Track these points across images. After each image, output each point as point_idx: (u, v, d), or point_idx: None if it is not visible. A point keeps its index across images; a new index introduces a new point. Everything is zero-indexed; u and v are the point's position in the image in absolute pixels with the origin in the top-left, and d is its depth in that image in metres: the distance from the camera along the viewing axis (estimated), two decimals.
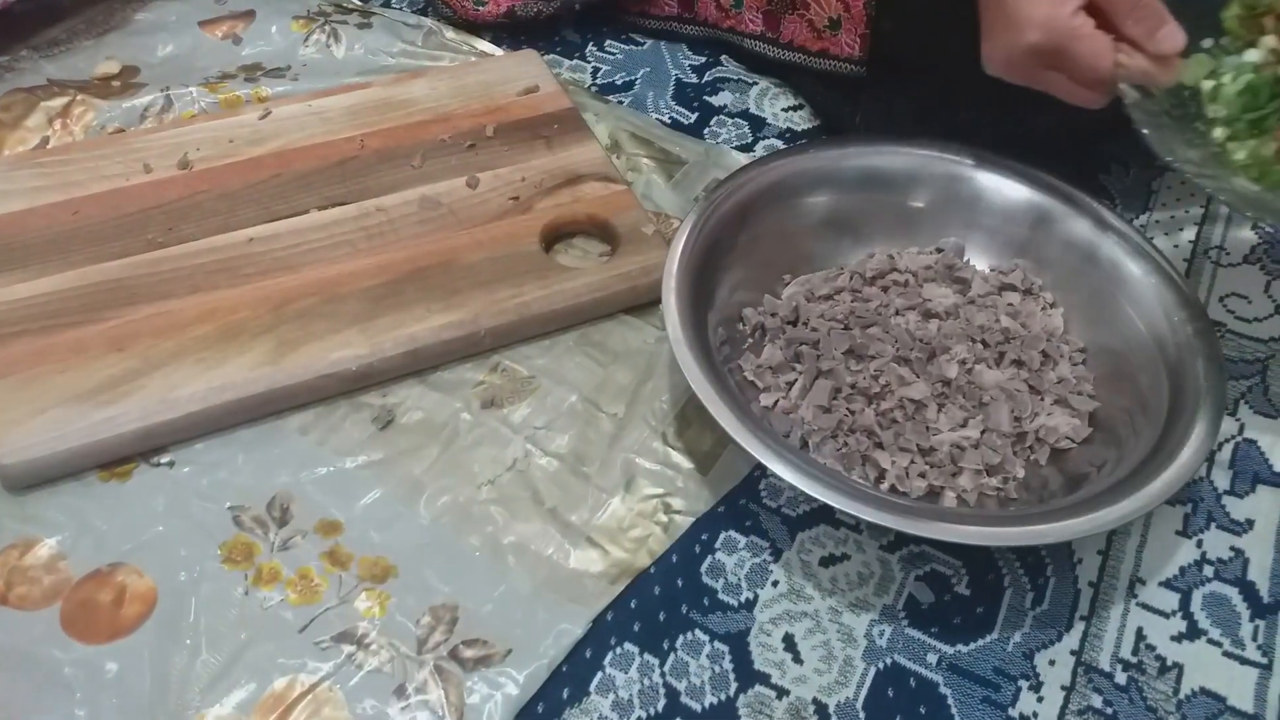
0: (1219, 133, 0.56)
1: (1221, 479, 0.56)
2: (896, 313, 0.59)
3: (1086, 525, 0.47)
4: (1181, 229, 0.69)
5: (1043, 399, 0.56)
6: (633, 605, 0.50)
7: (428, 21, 0.81)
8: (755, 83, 0.78)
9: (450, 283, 0.61)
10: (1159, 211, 0.70)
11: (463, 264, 0.62)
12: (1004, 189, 0.62)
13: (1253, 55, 0.56)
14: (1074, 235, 0.60)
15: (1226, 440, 0.57)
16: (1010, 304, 0.60)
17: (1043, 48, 0.52)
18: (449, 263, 0.62)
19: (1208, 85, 0.56)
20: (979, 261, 0.63)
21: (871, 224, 0.64)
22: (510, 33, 0.81)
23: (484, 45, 0.80)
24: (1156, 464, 0.50)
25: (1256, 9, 0.56)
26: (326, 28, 0.79)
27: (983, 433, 0.54)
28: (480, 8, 0.79)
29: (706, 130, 0.75)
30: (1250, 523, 0.54)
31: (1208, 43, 0.58)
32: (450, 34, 0.80)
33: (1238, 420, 0.58)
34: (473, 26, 0.81)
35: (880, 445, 0.54)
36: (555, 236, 0.66)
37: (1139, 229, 0.60)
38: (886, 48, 0.69)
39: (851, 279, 0.61)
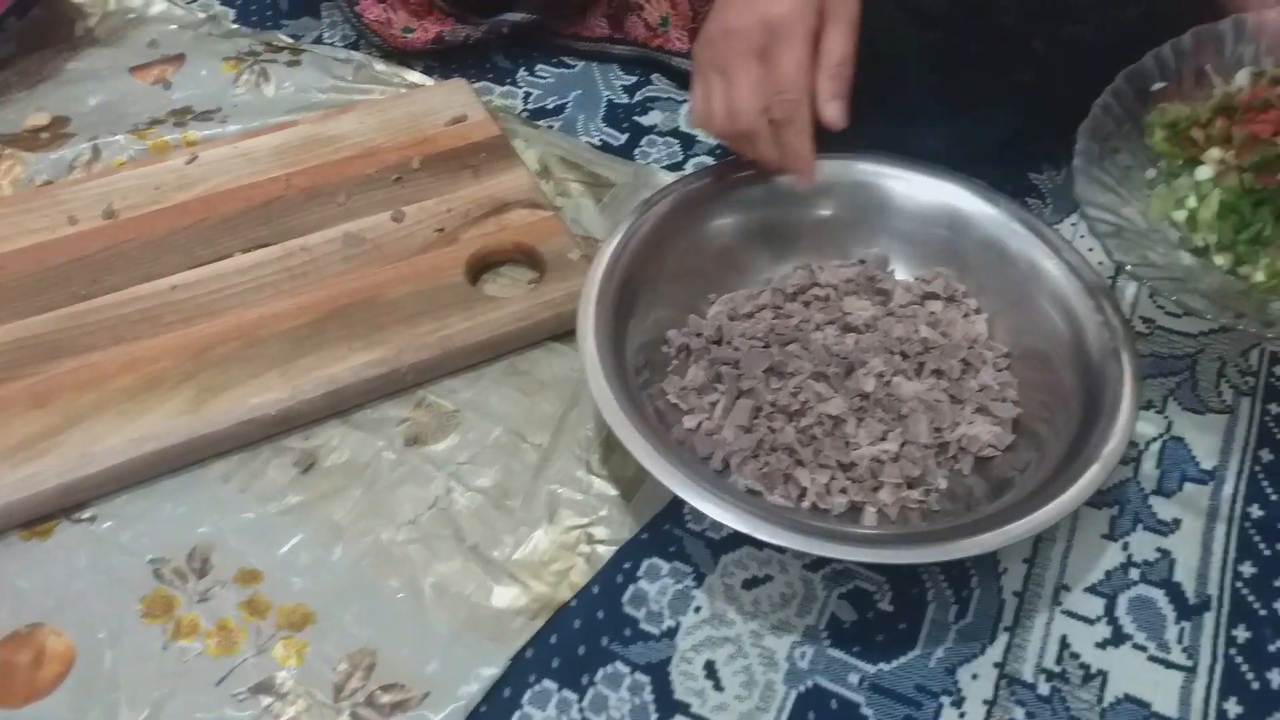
0: (1222, 260, 0.53)
1: (1148, 479, 0.55)
2: (817, 328, 0.59)
3: (999, 539, 0.46)
4: None
5: (963, 408, 0.55)
6: (552, 640, 0.50)
7: (358, 55, 0.81)
8: (685, 100, 0.77)
9: (373, 319, 0.61)
10: None
11: (386, 300, 0.62)
12: (917, 193, 0.62)
13: (1204, 172, 0.54)
14: (991, 236, 0.60)
15: (1154, 439, 0.57)
16: (932, 313, 0.59)
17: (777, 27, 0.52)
18: (372, 299, 0.62)
19: (1180, 216, 0.54)
20: (903, 270, 0.63)
21: (795, 237, 0.63)
22: (441, 61, 0.81)
23: (414, 76, 0.80)
24: (1076, 467, 0.49)
25: (1179, 125, 0.55)
26: (256, 67, 0.80)
27: (902, 445, 0.54)
28: (408, 35, 0.80)
29: (637, 150, 0.74)
30: (1177, 522, 0.53)
31: (1151, 173, 0.56)
32: (380, 66, 0.80)
33: (1166, 418, 0.58)
34: (404, 57, 0.81)
35: (801, 463, 0.54)
36: (482, 266, 0.66)
37: (1053, 227, 0.60)
38: None
39: (774, 295, 0.61)
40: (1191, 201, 0.53)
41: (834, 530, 0.49)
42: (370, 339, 0.60)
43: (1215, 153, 0.53)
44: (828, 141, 0.55)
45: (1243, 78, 0.55)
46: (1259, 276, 0.52)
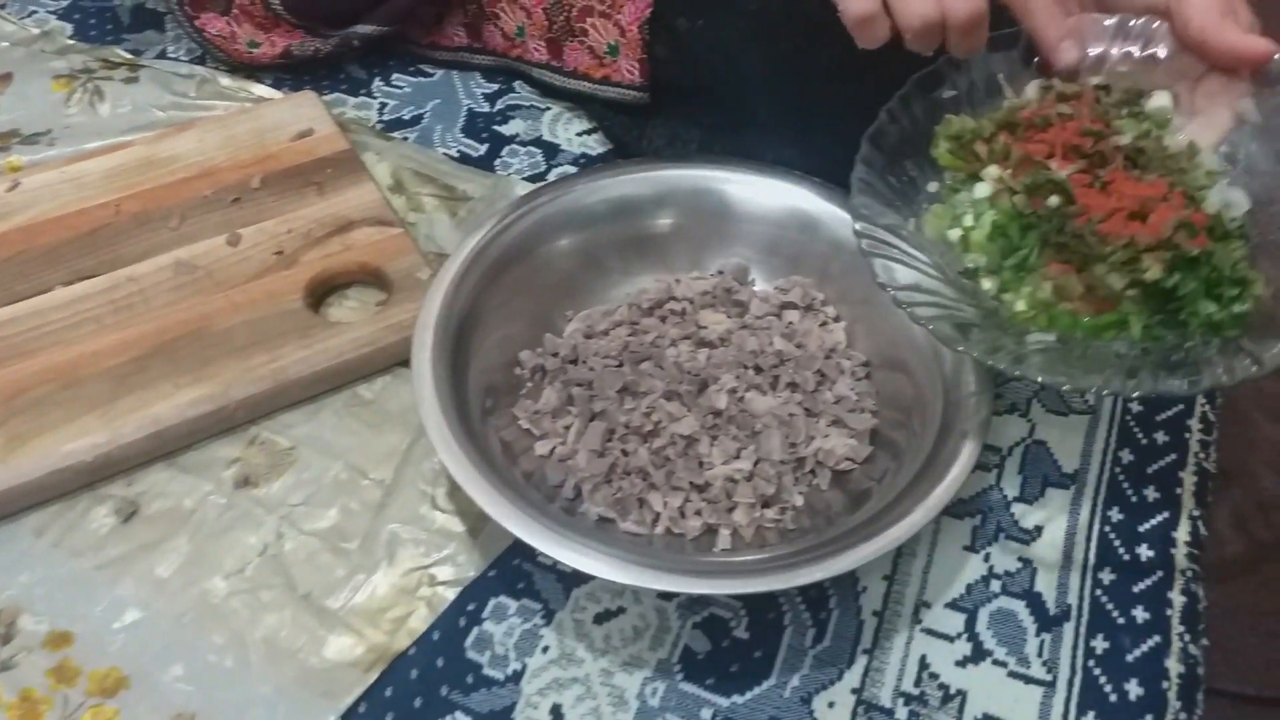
0: (988, 284, 0.49)
1: (1011, 485, 0.54)
2: (672, 343, 0.57)
3: (843, 563, 0.44)
4: None
5: (819, 421, 0.53)
6: (388, 693, 0.47)
7: (201, 70, 0.76)
8: (548, 108, 0.75)
9: (201, 353, 0.57)
10: None
11: (216, 331, 0.58)
12: (762, 197, 0.60)
13: (983, 189, 0.49)
14: (841, 239, 0.57)
15: (1017, 443, 0.56)
16: (789, 323, 0.57)
17: None
18: (201, 331, 0.58)
19: (954, 235, 0.50)
20: (763, 280, 0.61)
21: (654, 248, 0.61)
22: (292, 74, 0.77)
23: (262, 90, 0.75)
24: (930, 478, 0.48)
25: (963, 138, 0.50)
26: (90, 85, 0.75)
27: (756, 463, 0.52)
28: (254, 50, 0.75)
29: (498, 161, 0.71)
30: (1039, 530, 0.52)
31: (933, 186, 0.53)
32: (226, 81, 0.76)
33: (1029, 421, 0.57)
34: (251, 71, 0.77)
35: (654, 486, 0.51)
36: (325, 290, 0.62)
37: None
38: (664, 73, 0.67)
39: (630, 311, 0.59)
40: (969, 220, 0.50)
41: (680, 563, 0.47)
42: (197, 374, 0.56)
43: (994, 170, 0.49)
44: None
45: (1032, 90, 0.52)
46: (1020, 305, 0.48)
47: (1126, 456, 0.55)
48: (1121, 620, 0.48)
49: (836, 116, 0.54)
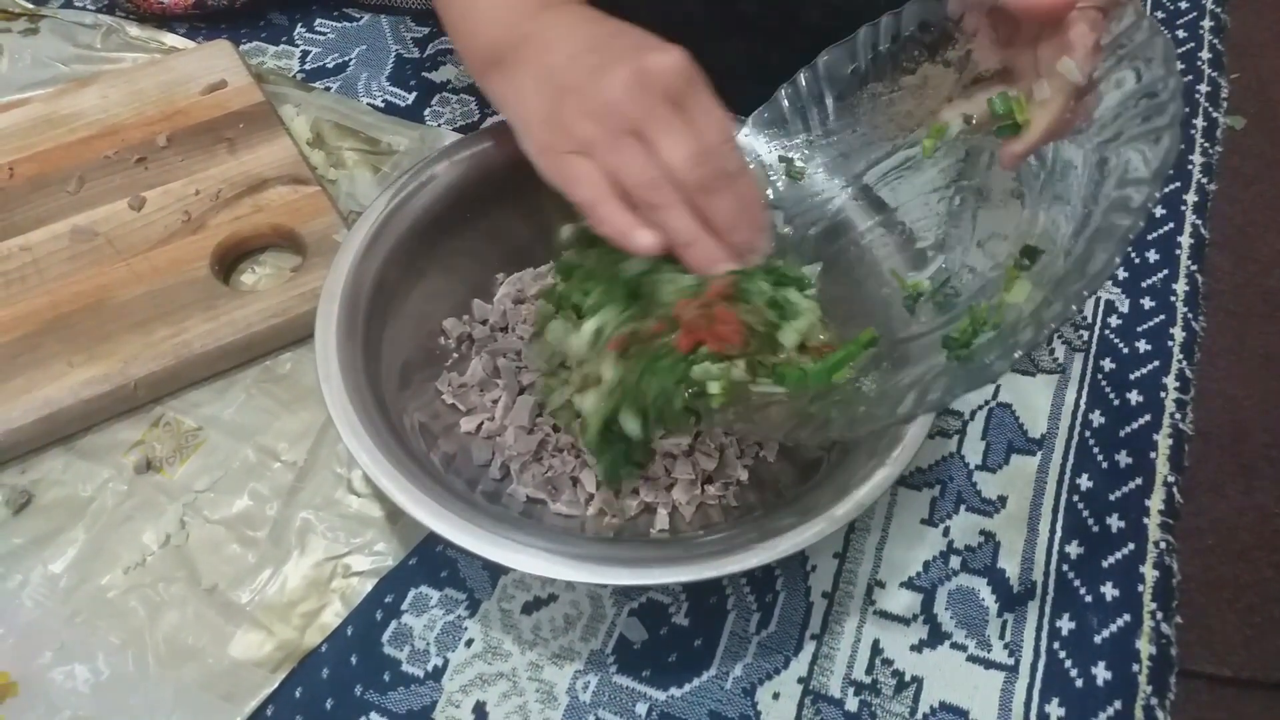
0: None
1: (973, 452, 0.50)
2: None
3: (792, 543, 0.41)
4: None
5: None
6: (297, 694, 0.43)
7: (107, 19, 0.70)
8: None
9: (98, 328, 0.52)
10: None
11: (115, 303, 0.53)
12: None
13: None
14: None
15: (979, 407, 0.52)
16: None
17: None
18: (99, 304, 0.53)
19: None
20: None
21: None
22: (208, 23, 0.71)
23: (174, 40, 0.70)
24: (883, 445, 0.44)
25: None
26: None
27: (696, 436, 0.48)
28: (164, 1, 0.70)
29: (428, 111, 0.66)
30: (1003, 500, 0.48)
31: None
32: (135, 31, 0.70)
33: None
34: (162, 20, 0.71)
35: (587, 464, 0.47)
36: (236, 256, 0.58)
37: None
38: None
39: None
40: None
41: (611, 551, 0.43)
42: (93, 351, 0.51)
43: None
44: None
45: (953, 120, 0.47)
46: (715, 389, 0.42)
47: (1097, 419, 0.51)
48: (1089, 598, 0.45)
49: (764, 78, 0.50)
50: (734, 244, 0.42)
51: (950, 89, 0.47)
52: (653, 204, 0.41)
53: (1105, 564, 0.46)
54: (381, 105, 0.66)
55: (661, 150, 0.41)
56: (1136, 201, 0.35)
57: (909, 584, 0.46)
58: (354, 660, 0.44)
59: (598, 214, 0.42)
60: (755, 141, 0.52)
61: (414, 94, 0.67)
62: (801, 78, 0.50)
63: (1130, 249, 0.58)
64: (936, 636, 0.44)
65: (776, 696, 0.43)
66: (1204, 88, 0.67)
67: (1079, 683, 0.43)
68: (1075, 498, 0.48)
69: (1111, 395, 0.52)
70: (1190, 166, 0.63)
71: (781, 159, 0.52)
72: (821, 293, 0.47)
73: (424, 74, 0.68)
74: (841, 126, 0.50)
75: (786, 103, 0.51)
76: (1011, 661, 0.44)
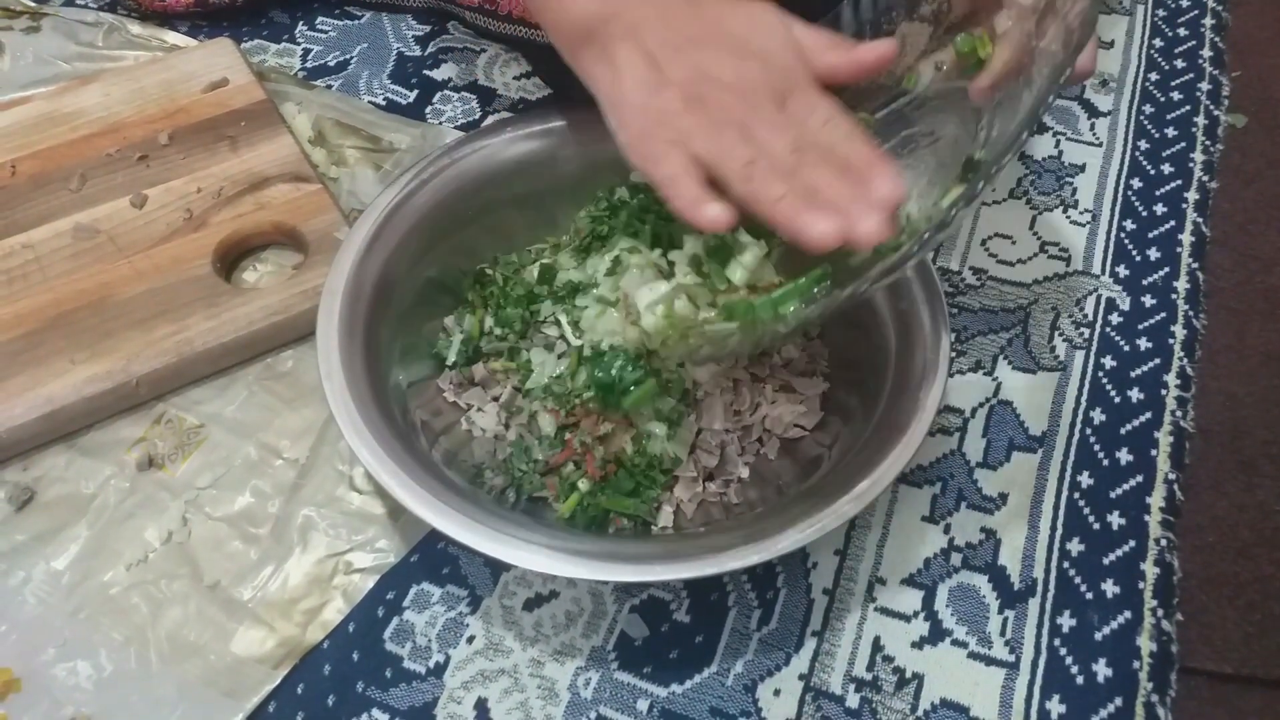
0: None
1: (974, 449, 0.50)
2: None
3: (792, 540, 0.41)
4: None
5: (765, 387, 0.49)
6: (299, 691, 0.43)
7: (109, 17, 0.70)
8: (483, 50, 0.69)
9: (101, 325, 0.52)
10: None
11: (117, 301, 0.53)
12: None
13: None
14: None
15: (981, 404, 0.52)
16: None
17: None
18: (101, 301, 0.53)
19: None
20: None
21: (588, 199, 0.56)
22: (209, 20, 0.72)
23: (175, 38, 0.70)
24: (885, 442, 0.44)
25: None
26: None
27: (697, 434, 0.48)
28: None
29: (429, 109, 0.66)
30: (1004, 497, 0.48)
31: None
32: (136, 29, 0.70)
33: (994, 379, 0.53)
34: (164, 18, 0.71)
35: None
36: (238, 253, 0.58)
37: None
38: None
39: None
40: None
41: (611, 548, 0.43)
42: (96, 349, 0.51)
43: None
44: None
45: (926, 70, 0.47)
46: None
47: (1098, 416, 0.51)
48: (1090, 595, 0.45)
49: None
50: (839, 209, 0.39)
51: (926, 43, 0.47)
52: (746, 176, 0.40)
53: (1106, 561, 0.46)
54: (383, 103, 0.66)
55: (764, 140, 0.41)
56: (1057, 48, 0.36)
57: (910, 581, 0.46)
58: (356, 657, 0.44)
59: (676, 187, 0.41)
60: None
61: (415, 92, 0.67)
62: None
63: (1131, 246, 0.58)
64: (937, 633, 0.45)
65: (777, 693, 0.43)
66: (1205, 85, 0.67)
67: (1080, 679, 0.43)
68: (1076, 495, 0.48)
69: (1112, 392, 0.52)
70: (1191, 164, 0.63)
71: None
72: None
73: (425, 72, 0.68)
74: None
75: None
76: (1012, 658, 0.44)
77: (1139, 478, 0.49)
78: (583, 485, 0.46)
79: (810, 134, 0.41)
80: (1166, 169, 0.63)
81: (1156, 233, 0.59)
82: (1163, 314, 0.55)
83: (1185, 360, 0.53)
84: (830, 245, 0.38)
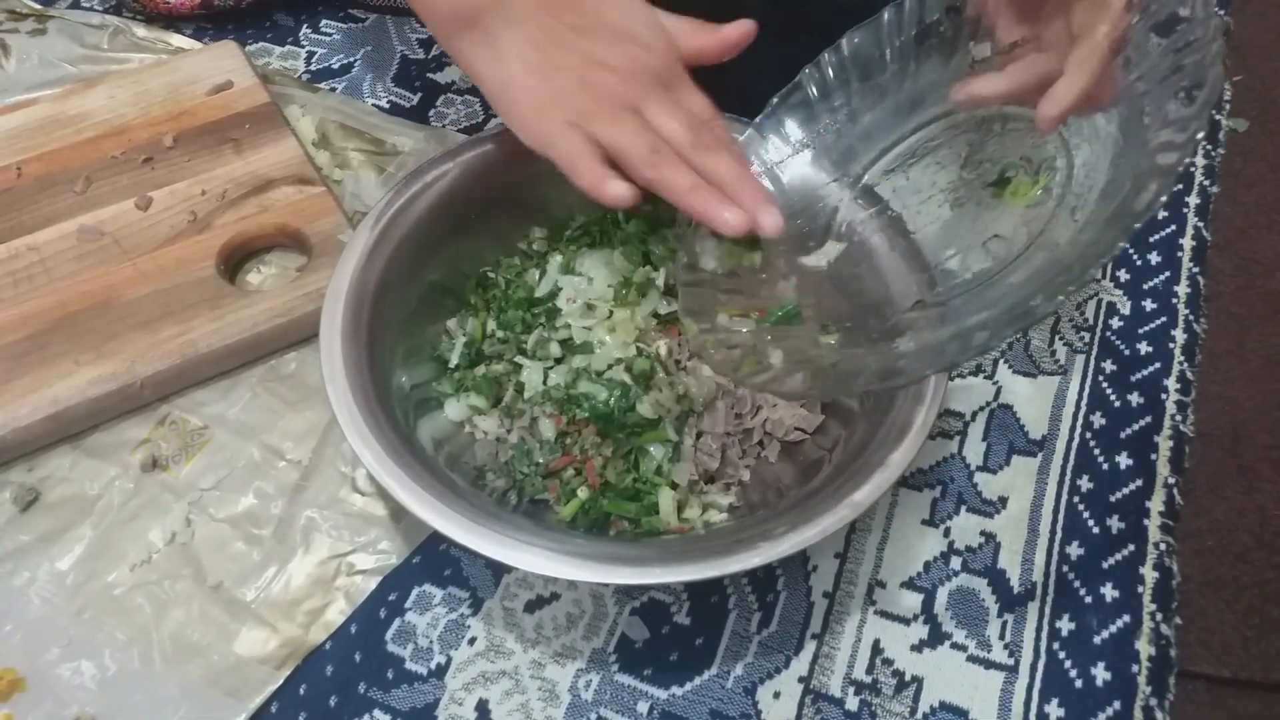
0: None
1: (974, 453, 0.50)
2: None
3: (792, 543, 0.41)
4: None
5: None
6: (301, 691, 0.44)
7: (114, 20, 0.71)
8: None
9: (105, 327, 0.53)
10: None
11: (122, 303, 0.54)
12: None
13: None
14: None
15: (981, 408, 0.52)
16: None
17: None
18: (106, 303, 0.54)
19: None
20: None
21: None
22: (214, 23, 0.72)
23: (180, 40, 0.70)
24: (885, 445, 0.44)
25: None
26: None
27: (698, 437, 0.48)
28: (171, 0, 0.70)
29: (432, 111, 0.67)
30: (1003, 501, 0.49)
31: None
32: (141, 31, 0.71)
33: (994, 383, 0.53)
34: (169, 21, 0.72)
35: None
36: (242, 255, 0.58)
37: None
38: None
39: None
40: None
41: (612, 550, 0.43)
42: (100, 350, 0.52)
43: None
44: None
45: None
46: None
47: (1098, 420, 0.51)
48: (1089, 599, 0.45)
49: (812, 31, 0.50)
50: (740, 203, 0.43)
51: (954, 69, 0.47)
52: (653, 164, 0.43)
53: (1105, 565, 0.46)
54: (386, 106, 0.67)
55: (658, 123, 0.44)
56: (1181, 139, 0.36)
57: (910, 584, 0.46)
58: (358, 658, 0.45)
59: (578, 168, 0.44)
60: (779, 126, 0.52)
61: (419, 95, 0.67)
62: (827, 59, 0.50)
63: (1132, 251, 0.58)
64: (937, 636, 0.45)
65: (777, 695, 0.43)
66: None
67: (1078, 683, 0.43)
68: (1076, 499, 0.48)
69: (1112, 397, 0.52)
70: (1192, 169, 0.63)
71: (803, 144, 0.52)
72: (837, 271, 0.49)
73: (429, 75, 0.68)
74: (859, 110, 0.51)
75: (813, 88, 0.51)
76: (1011, 662, 0.44)
77: (1139, 482, 0.49)
78: (582, 493, 0.46)
79: (696, 118, 0.45)
80: None
81: (1157, 237, 0.59)
82: (1163, 318, 0.55)
83: (1185, 364, 0.53)
84: (738, 233, 0.43)
